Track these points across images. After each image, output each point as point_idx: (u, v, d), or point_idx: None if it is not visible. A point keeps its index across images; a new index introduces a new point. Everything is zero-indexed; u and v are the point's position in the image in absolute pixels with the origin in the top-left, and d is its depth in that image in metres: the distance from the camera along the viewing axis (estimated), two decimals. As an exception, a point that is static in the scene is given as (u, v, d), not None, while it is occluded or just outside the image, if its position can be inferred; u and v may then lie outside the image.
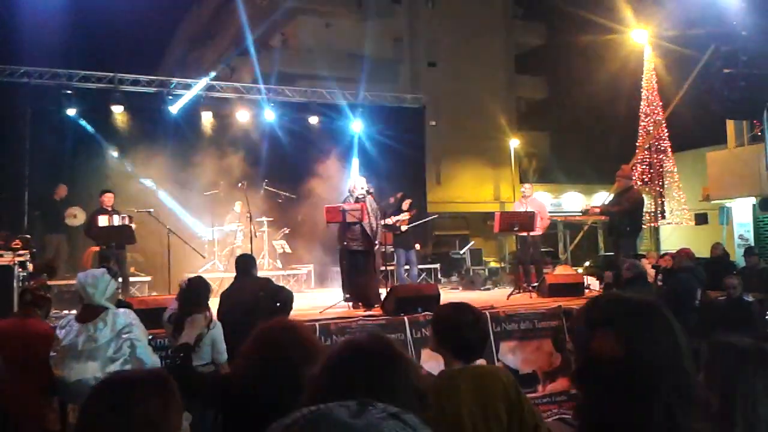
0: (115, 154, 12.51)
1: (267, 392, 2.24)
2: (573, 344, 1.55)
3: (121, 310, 4.20)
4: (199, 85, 13.41)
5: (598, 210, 10.11)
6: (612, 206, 9.87)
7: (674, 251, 11.02)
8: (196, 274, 5.97)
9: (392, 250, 10.98)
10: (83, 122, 12.28)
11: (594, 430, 1.41)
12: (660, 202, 22.19)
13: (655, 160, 21.72)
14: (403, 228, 10.90)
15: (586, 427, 1.42)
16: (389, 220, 10.70)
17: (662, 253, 13.69)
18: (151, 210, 10.07)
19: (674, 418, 1.33)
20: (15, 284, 7.59)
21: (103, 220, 9.59)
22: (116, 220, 9.65)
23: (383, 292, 8.50)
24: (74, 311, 5.24)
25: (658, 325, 1.43)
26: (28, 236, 8.76)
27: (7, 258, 7.72)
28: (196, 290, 5.28)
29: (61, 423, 4.00)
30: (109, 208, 9.82)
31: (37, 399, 3.94)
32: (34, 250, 8.69)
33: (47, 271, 7.84)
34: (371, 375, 1.35)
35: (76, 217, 11.10)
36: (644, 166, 21.53)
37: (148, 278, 10.87)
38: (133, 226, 9.83)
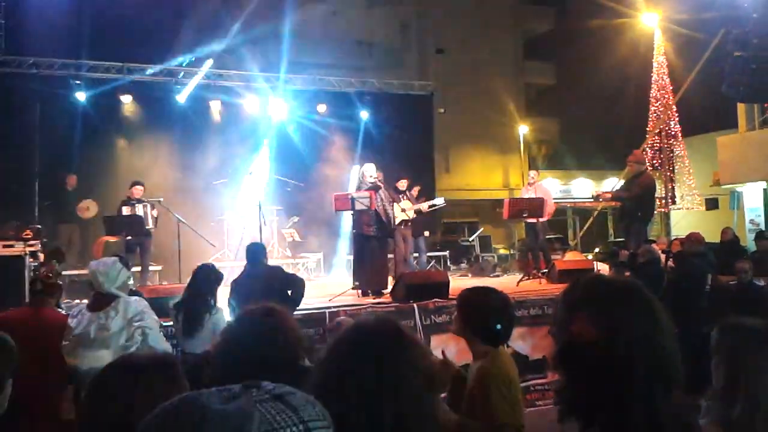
0: (125, 143, 12.55)
1: (236, 369, 2.26)
2: (554, 328, 1.55)
3: (133, 298, 4.22)
4: (200, 75, 13.41)
5: (609, 195, 10.03)
6: (623, 191, 9.81)
7: (682, 237, 10.97)
8: (207, 262, 5.97)
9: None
10: (92, 112, 12.31)
11: (575, 414, 1.40)
12: (670, 187, 22.10)
13: (665, 145, 21.61)
14: (411, 215, 10.89)
15: (566, 411, 1.41)
16: (415, 206, 10.70)
17: (672, 238, 13.63)
18: (161, 199, 10.11)
19: (654, 399, 1.32)
20: (26, 274, 7.65)
21: (125, 210, 9.77)
22: (139, 210, 9.77)
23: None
24: (85, 300, 5.28)
25: (638, 307, 1.41)
26: (39, 226, 8.81)
27: (18, 248, 7.78)
28: (205, 278, 5.31)
29: (75, 411, 4.02)
30: (134, 200, 9.95)
31: (51, 388, 3.97)
32: (45, 240, 8.76)
33: (56, 257, 7.87)
34: (378, 357, 1.34)
35: (89, 209, 11.17)
36: (654, 151, 21.42)
37: (159, 267, 10.93)
38: (155, 213, 9.94)
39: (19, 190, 11.42)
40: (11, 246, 7.79)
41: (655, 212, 23.06)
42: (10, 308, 6.62)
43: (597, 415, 1.36)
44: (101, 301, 4.08)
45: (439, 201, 10.90)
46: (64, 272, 10.04)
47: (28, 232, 7.89)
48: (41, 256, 8.04)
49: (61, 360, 3.97)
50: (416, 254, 11.25)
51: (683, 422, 1.36)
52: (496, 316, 2.87)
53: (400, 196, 10.38)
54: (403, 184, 10.65)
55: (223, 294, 6.47)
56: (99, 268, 4.17)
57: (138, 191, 10.06)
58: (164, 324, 5.07)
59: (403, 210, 10.22)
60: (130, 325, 3.97)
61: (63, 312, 4.80)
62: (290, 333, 2.61)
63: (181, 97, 13.22)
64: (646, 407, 1.32)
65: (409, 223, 10.44)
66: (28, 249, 7.77)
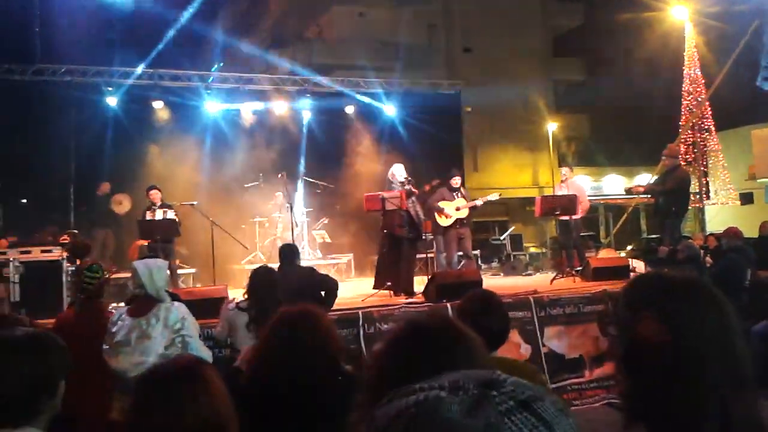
0: (156, 147, 12.72)
1: (277, 375, 2.27)
2: (616, 329, 1.48)
3: (175, 303, 4.19)
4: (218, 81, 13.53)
5: (641, 189, 9.88)
6: (656, 185, 9.66)
7: (720, 232, 10.78)
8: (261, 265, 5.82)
9: (431, 237, 10.96)
10: (125, 117, 12.51)
11: (643, 420, 1.32)
12: (704, 182, 21.74)
13: (699, 140, 21.26)
14: (465, 213, 10.82)
15: (634, 417, 1.34)
16: (470, 204, 10.60)
17: (707, 233, 13.41)
18: (195, 203, 10.22)
19: (727, 402, 1.24)
20: (63, 278, 7.80)
21: (148, 215, 9.85)
22: (159, 215, 9.86)
23: (423, 279, 8.52)
24: (121, 304, 5.31)
25: (706, 304, 1.33)
26: (76, 231, 8.98)
27: (55, 253, 7.94)
28: (266, 280, 5.20)
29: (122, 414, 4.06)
30: (155, 204, 10.06)
31: (99, 390, 4.01)
32: (65, 240, 8.91)
33: (77, 253, 7.89)
34: (434, 354, 1.28)
35: (122, 203, 11.33)
36: (687, 146, 21.09)
37: (193, 270, 11.05)
38: (176, 219, 10.02)
39: (56, 195, 11.66)
40: (49, 251, 7.96)
41: (690, 208, 22.77)
42: (51, 312, 6.80)
43: (668, 421, 1.31)
44: (143, 306, 4.07)
45: (493, 196, 10.80)
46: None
47: (65, 236, 8.04)
48: (78, 261, 8.17)
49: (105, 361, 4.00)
50: (446, 253, 11.19)
51: (755, 423, 1.30)
52: (481, 320, 2.81)
53: (455, 194, 10.04)
54: (456, 182, 10.16)
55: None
56: (149, 269, 4.14)
57: (155, 195, 10.12)
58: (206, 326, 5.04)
59: (458, 209, 9.94)
60: (170, 333, 3.96)
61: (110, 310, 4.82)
62: (328, 335, 2.62)
63: (212, 102, 13.36)
64: (720, 410, 1.26)
65: (465, 221, 10.02)
66: (65, 253, 7.92)
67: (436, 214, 10.08)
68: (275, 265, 6.77)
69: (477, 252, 13.91)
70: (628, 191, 10.04)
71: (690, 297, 1.34)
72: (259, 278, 5.15)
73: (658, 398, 1.30)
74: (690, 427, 1.27)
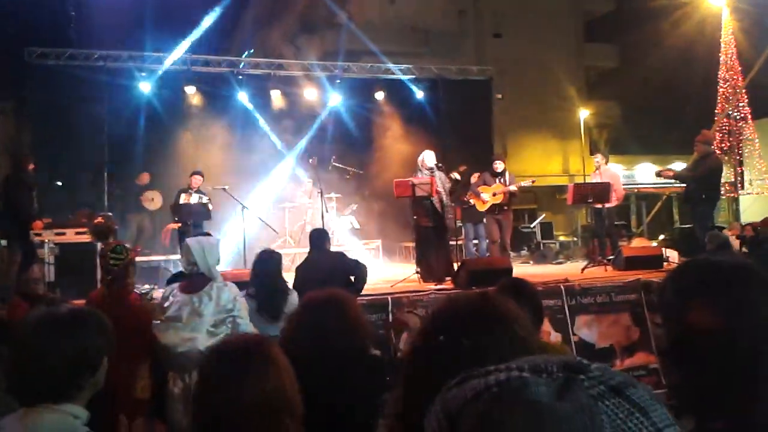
0: (188, 132, 12.83)
1: (303, 359, 2.26)
2: (662, 317, 1.42)
3: (228, 283, 4.17)
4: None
5: (671, 174, 9.65)
6: (687, 171, 9.50)
7: (756, 222, 10.57)
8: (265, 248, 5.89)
9: (460, 224, 10.91)
10: (157, 102, 12.63)
11: (692, 413, 1.27)
12: (739, 171, 21.32)
13: (735, 128, 20.83)
14: (472, 201, 10.78)
15: (684, 409, 1.27)
16: (472, 200, 10.58)
17: (744, 223, 13.15)
18: (226, 187, 10.29)
19: None
20: (97, 260, 7.91)
21: (182, 199, 9.96)
22: (194, 199, 9.96)
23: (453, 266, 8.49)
24: (146, 286, 5.36)
25: (759, 289, 1.28)
26: (110, 214, 9.09)
27: (89, 235, 8.05)
28: (270, 263, 5.29)
29: (151, 391, 4.11)
30: (194, 189, 10.16)
31: (129, 367, 4.05)
32: (116, 227, 9.03)
33: (99, 236, 7.97)
34: (475, 334, 1.23)
35: (153, 200, 11.47)
36: (723, 134, 20.68)
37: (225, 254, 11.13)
38: (210, 205, 10.11)
39: (90, 179, 11.83)
40: (83, 233, 8.07)
41: (723, 197, 22.36)
42: (84, 293, 6.90)
43: (721, 413, 1.25)
44: (195, 283, 4.07)
45: (526, 182, 10.79)
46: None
47: (99, 219, 8.14)
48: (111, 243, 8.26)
49: (137, 339, 4.03)
50: (476, 241, 11.14)
51: None
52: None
53: (497, 179, 9.87)
54: (497, 166, 9.95)
55: (288, 279, 6.55)
56: (200, 245, 4.12)
57: (197, 181, 10.27)
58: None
59: (494, 194, 9.82)
60: (221, 312, 3.97)
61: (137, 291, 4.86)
62: (356, 320, 2.60)
63: (243, 89, 13.42)
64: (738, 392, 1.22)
65: (505, 207, 9.86)
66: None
67: (473, 199, 10.03)
68: (305, 250, 6.82)
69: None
70: (658, 174, 9.84)
71: (743, 282, 1.29)
72: (260, 264, 5.21)
73: (711, 389, 1.25)
74: (744, 420, 1.22)
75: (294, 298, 5.12)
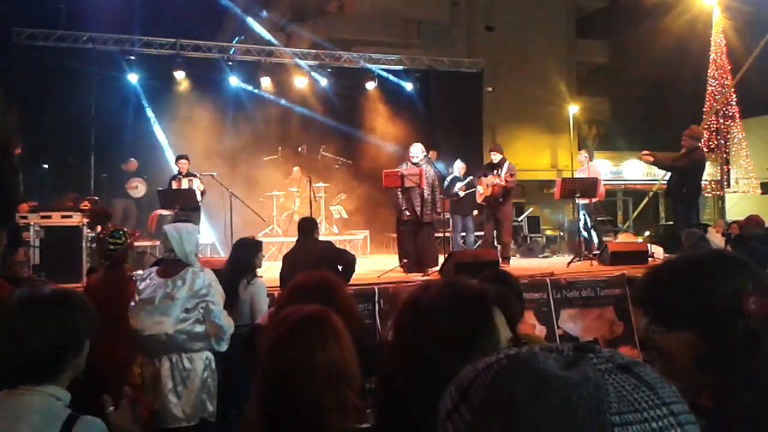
0: (177, 118, 12.74)
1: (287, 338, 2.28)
2: (642, 309, 1.45)
3: (204, 269, 4.18)
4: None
5: (651, 159, 9.63)
6: (668, 159, 9.55)
7: (741, 220, 10.64)
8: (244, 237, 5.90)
9: (448, 216, 10.93)
10: (146, 87, 12.53)
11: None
12: (726, 169, 21.49)
13: (722, 126, 20.98)
14: (461, 194, 10.81)
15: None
16: (460, 192, 10.60)
17: (730, 221, 13.26)
18: (215, 173, 10.24)
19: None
20: (83, 244, 7.87)
21: (173, 185, 9.94)
22: (185, 184, 9.93)
23: (439, 258, 8.52)
24: (139, 272, 5.33)
25: (736, 275, 1.32)
26: (96, 198, 9.03)
27: (75, 219, 7.99)
28: (240, 250, 5.30)
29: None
30: (183, 173, 10.15)
31: (122, 353, 4.04)
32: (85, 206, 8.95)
33: (97, 219, 7.92)
34: (446, 316, 1.26)
35: (137, 188, 11.40)
36: (711, 133, 20.82)
37: (211, 241, 11.10)
38: (202, 187, 10.06)
39: (77, 162, 11.74)
40: (69, 216, 8.01)
41: (709, 195, 22.53)
42: (70, 276, 6.86)
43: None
44: (172, 268, 4.08)
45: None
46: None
47: (86, 203, 8.09)
48: (98, 227, 8.21)
49: (129, 325, 4.03)
50: (464, 233, 11.17)
51: None
52: None
53: (495, 171, 9.59)
54: (495, 157, 9.73)
55: (275, 268, 6.55)
56: (177, 232, 4.14)
57: (183, 165, 10.25)
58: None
59: (488, 186, 9.62)
60: (195, 297, 3.98)
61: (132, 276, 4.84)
62: (346, 302, 2.60)
63: (234, 75, 13.35)
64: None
65: (501, 200, 9.60)
66: (85, 220, 7.97)
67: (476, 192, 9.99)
68: (293, 239, 6.81)
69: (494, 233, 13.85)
70: (639, 158, 9.87)
71: (720, 269, 1.34)
72: (234, 252, 5.30)
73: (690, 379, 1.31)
74: (724, 400, 1.27)
75: (258, 288, 5.11)
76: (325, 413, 1.64)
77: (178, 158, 10.37)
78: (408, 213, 8.54)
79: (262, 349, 1.75)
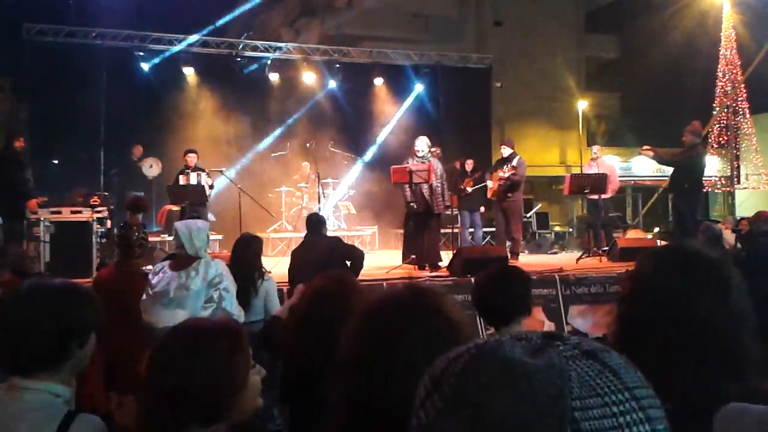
0: (186, 114, 12.77)
1: (308, 343, 2.26)
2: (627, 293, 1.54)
3: (214, 260, 4.22)
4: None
5: (651, 153, 9.59)
6: (668, 153, 9.53)
7: (750, 216, 10.58)
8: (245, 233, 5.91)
9: (457, 212, 10.92)
10: (155, 83, 12.57)
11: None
12: (736, 165, 21.36)
13: (732, 122, 20.84)
14: (468, 189, 10.78)
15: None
16: (468, 188, 10.57)
17: (739, 218, 13.20)
18: (223, 169, 10.26)
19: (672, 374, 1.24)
20: (93, 239, 7.91)
21: (181, 180, 9.95)
22: (193, 179, 9.93)
23: (447, 254, 8.51)
24: (148, 267, 5.38)
25: (668, 265, 1.40)
26: (106, 193, 9.07)
27: (85, 214, 8.04)
28: (246, 248, 5.29)
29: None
30: (191, 168, 10.13)
31: (134, 346, 4.06)
32: (112, 207, 9.01)
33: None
34: (399, 324, 1.23)
35: (152, 167, 11.41)
36: (720, 128, 20.70)
37: (219, 236, 11.12)
38: (210, 181, 10.06)
39: (86, 158, 11.79)
40: (79, 212, 8.05)
41: (719, 192, 22.40)
42: (79, 272, 6.89)
43: (666, 393, 1.29)
44: (184, 261, 4.11)
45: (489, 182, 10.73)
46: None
47: (95, 198, 8.13)
48: (108, 223, 8.27)
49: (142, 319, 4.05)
50: (472, 229, 11.15)
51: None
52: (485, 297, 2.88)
53: (505, 165, 9.58)
54: (504, 151, 9.70)
55: (283, 263, 6.57)
56: (187, 229, 4.17)
57: (191, 159, 10.23)
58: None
59: (496, 180, 9.59)
60: (209, 287, 4.00)
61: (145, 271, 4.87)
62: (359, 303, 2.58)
63: (243, 71, 13.38)
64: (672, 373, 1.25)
65: (509, 195, 9.54)
66: (95, 215, 8.01)
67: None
68: (301, 235, 6.82)
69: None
70: (641, 152, 9.85)
71: (659, 259, 1.45)
72: (236, 248, 5.28)
73: (660, 367, 1.36)
74: (688, 400, 1.25)
75: (271, 284, 5.12)
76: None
77: (186, 152, 10.38)
78: (415, 206, 8.51)
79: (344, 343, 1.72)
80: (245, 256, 5.15)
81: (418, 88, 14.89)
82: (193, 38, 13.22)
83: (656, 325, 1.32)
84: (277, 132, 13.21)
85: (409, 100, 14.66)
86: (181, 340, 1.65)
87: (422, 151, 8.66)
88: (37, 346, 1.76)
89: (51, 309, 1.80)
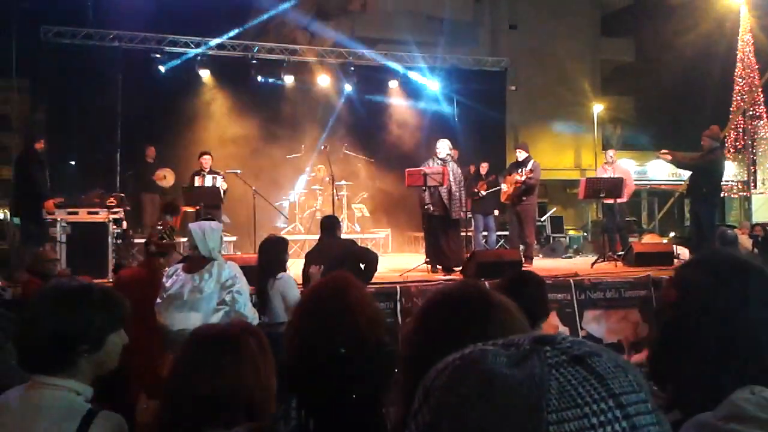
0: (202, 116, 12.84)
1: (306, 345, 2.26)
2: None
3: (228, 262, 4.25)
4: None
5: (669, 157, 9.54)
6: (686, 158, 9.47)
7: (766, 222, 10.51)
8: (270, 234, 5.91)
9: (470, 215, 10.89)
10: (171, 85, 12.65)
11: (654, 381, 1.37)
12: (752, 170, 21.19)
13: (750, 127, 20.67)
14: (483, 193, 10.75)
15: (647, 377, 1.38)
16: (482, 191, 10.53)
17: (754, 223, 13.09)
18: (239, 171, 10.30)
19: (719, 379, 1.25)
20: (109, 240, 7.96)
21: (196, 181, 10.00)
22: (208, 181, 9.98)
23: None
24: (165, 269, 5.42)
25: (718, 275, 1.36)
26: (122, 194, 9.13)
27: (102, 215, 8.09)
28: (268, 249, 5.30)
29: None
30: (205, 170, 10.17)
31: (153, 347, 4.09)
32: (128, 208, 9.06)
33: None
34: (464, 322, 1.22)
35: (166, 178, 11.49)
36: (737, 133, 20.54)
37: (234, 238, 11.16)
38: (225, 186, 10.10)
39: (103, 159, 11.88)
40: (96, 213, 8.11)
41: (735, 197, 22.22)
42: (95, 272, 6.94)
43: (669, 384, 1.30)
44: (197, 263, 4.14)
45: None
46: (143, 240, 10.43)
47: (112, 199, 8.18)
48: (124, 224, 8.32)
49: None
50: (485, 233, 11.12)
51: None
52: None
53: (519, 169, 9.57)
54: (520, 155, 9.75)
55: (297, 266, 6.56)
56: (201, 230, 4.20)
57: (206, 161, 10.27)
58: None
59: (511, 184, 9.60)
60: (222, 289, 4.02)
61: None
62: (366, 307, 2.57)
63: (257, 73, 13.43)
64: (710, 381, 1.26)
65: (524, 200, 9.58)
66: (111, 216, 8.06)
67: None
68: (315, 237, 6.83)
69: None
70: (658, 156, 9.80)
71: (711, 268, 1.39)
72: (263, 249, 5.24)
73: (661, 356, 1.39)
74: (682, 393, 1.31)
75: (284, 282, 5.07)
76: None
77: (201, 154, 10.42)
78: (431, 208, 8.49)
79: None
80: (271, 258, 5.14)
81: (433, 90, 14.87)
82: (209, 41, 13.28)
83: (704, 334, 1.30)
84: (292, 135, 13.23)
85: (424, 103, 14.64)
86: (206, 345, 1.66)
87: (443, 152, 8.65)
88: (47, 346, 1.79)
89: (58, 311, 1.82)
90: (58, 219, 7.89)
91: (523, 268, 7.47)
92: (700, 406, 1.24)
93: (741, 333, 1.29)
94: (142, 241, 10.42)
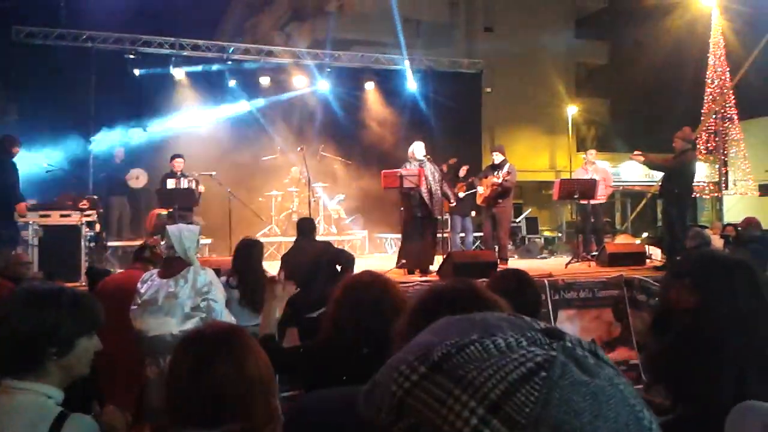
0: (176, 117, 12.73)
1: (352, 334, 2.27)
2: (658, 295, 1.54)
3: (205, 268, 4.23)
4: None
5: (642, 159, 9.65)
6: (658, 159, 9.60)
7: (738, 222, 10.68)
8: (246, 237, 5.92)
9: (447, 216, 10.93)
10: (145, 86, 12.53)
11: (662, 384, 1.38)
12: (724, 171, 21.52)
13: (721, 128, 21.00)
14: (461, 195, 10.79)
15: (654, 380, 1.39)
16: (461, 194, 10.56)
17: (725, 223, 13.30)
18: (213, 173, 10.24)
19: (744, 380, 1.27)
20: (82, 243, 7.87)
21: (170, 183, 9.90)
22: (183, 184, 9.90)
23: (438, 258, 8.52)
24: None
25: (741, 282, 1.37)
26: (96, 197, 9.03)
27: (74, 218, 7.99)
28: (251, 252, 5.30)
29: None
30: (178, 173, 10.09)
31: (135, 351, 4.07)
32: (101, 210, 8.97)
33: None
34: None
35: (138, 179, 11.39)
36: (709, 134, 20.85)
37: (209, 240, 11.09)
38: (201, 188, 10.05)
39: (75, 161, 11.73)
40: (68, 215, 8.01)
41: (707, 197, 22.56)
42: (67, 276, 6.86)
43: (684, 388, 1.32)
44: (172, 268, 4.11)
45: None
46: (113, 243, 10.33)
47: (84, 202, 8.09)
48: (97, 226, 8.23)
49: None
50: (462, 234, 11.18)
51: None
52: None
53: (496, 171, 9.62)
54: (496, 158, 9.77)
55: (273, 268, 6.54)
56: (178, 230, 4.19)
57: (178, 164, 10.22)
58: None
59: (487, 187, 9.63)
60: (197, 296, 4.00)
61: None
62: (398, 303, 2.55)
63: (232, 74, 13.36)
64: (735, 388, 1.27)
65: (500, 202, 9.61)
66: (84, 219, 7.97)
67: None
68: (291, 239, 6.82)
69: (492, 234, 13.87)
70: (631, 158, 9.92)
71: (727, 271, 1.39)
72: (239, 253, 5.26)
73: (679, 361, 1.34)
74: (704, 393, 1.30)
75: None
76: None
77: (173, 157, 10.34)
78: (418, 211, 8.50)
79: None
80: (248, 262, 5.16)
81: (409, 92, 14.89)
82: (183, 41, 13.19)
83: (730, 336, 1.31)
84: (267, 136, 13.18)
85: (400, 105, 14.66)
86: (200, 346, 1.68)
87: (418, 155, 8.67)
88: (15, 348, 1.78)
89: (26, 312, 1.81)
90: (30, 222, 7.78)
91: (517, 268, 7.52)
92: (718, 402, 1.26)
93: (761, 330, 1.32)
94: (117, 244, 10.41)
